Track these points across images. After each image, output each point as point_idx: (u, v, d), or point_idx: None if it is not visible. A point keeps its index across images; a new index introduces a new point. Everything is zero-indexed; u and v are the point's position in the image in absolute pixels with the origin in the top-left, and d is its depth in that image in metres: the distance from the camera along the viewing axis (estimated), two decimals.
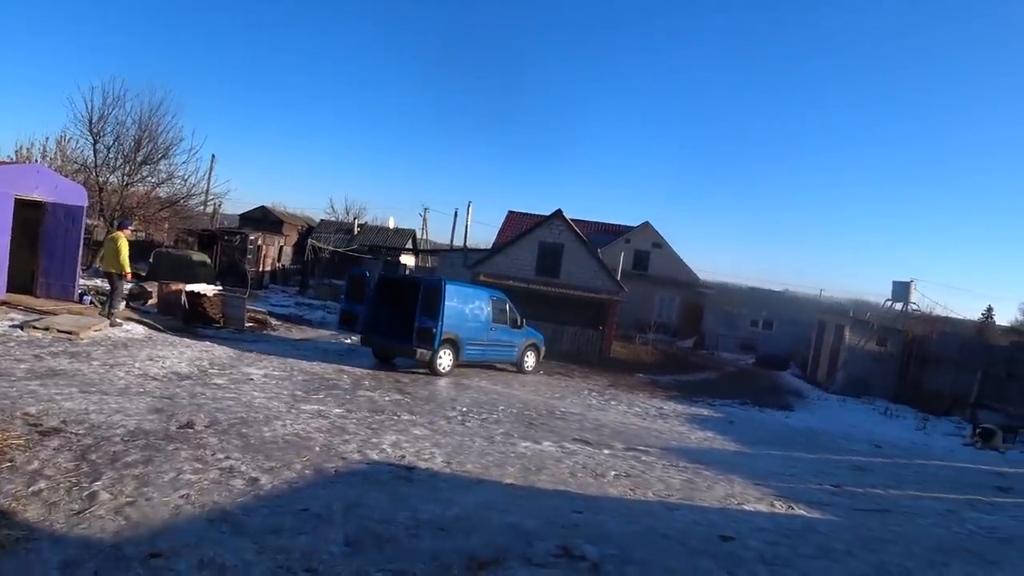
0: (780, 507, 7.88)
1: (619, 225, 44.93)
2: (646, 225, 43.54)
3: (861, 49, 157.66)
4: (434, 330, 15.29)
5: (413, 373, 15.41)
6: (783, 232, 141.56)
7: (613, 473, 8.68)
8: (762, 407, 20.09)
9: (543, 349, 20.05)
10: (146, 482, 5.66)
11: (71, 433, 6.71)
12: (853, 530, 6.98)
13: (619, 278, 29.02)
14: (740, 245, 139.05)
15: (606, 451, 10.32)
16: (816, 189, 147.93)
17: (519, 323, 18.53)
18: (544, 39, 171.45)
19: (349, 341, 19.25)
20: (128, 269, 15.68)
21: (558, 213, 28.04)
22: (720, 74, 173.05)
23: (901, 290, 31.84)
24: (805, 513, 7.73)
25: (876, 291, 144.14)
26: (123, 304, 15.69)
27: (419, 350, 15.41)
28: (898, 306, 32.00)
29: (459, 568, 4.75)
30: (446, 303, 15.54)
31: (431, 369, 15.62)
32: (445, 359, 15.89)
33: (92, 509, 4.95)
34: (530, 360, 19.22)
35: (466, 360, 16.76)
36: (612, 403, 16.91)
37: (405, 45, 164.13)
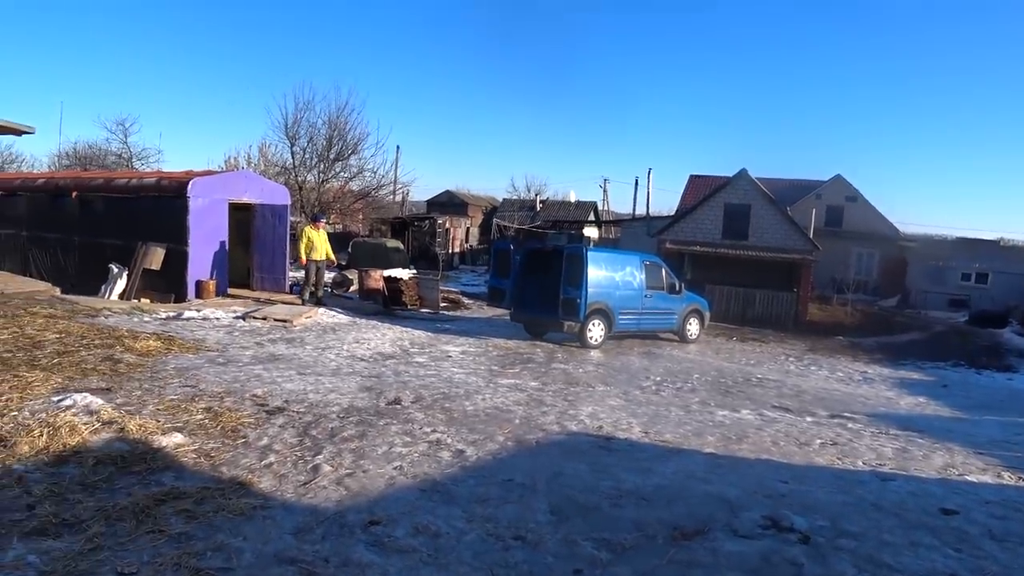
0: (1009, 478, 7.15)
1: (808, 180, 42.50)
2: (838, 178, 41.02)
3: None
4: (579, 300, 14.52)
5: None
6: (993, 176, 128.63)
7: (818, 441, 8.25)
8: (979, 369, 18.40)
9: (707, 315, 18.85)
10: (362, 455, 6.03)
11: (293, 412, 7.27)
12: None
13: (812, 236, 27.56)
14: (945, 194, 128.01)
15: (809, 418, 9.86)
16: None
17: (677, 288, 17.41)
18: None
19: None
20: (304, 257, 16.65)
21: (743, 173, 26.94)
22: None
23: None
24: None
25: None
26: (309, 292, 16.67)
27: (566, 322, 14.75)
28: None
29: (663, 538, 4.70)
30: (590, 271, 14.73)
31: (581, 342, 15.00)
32: (596, 330, 15.15)
33: (316, 480, 5.33)
34: (693, 327, 17.99)
35: (620, 331, 15.97)
36: (812, 368, 16.14)
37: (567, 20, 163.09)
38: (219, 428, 6.38)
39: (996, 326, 27.65)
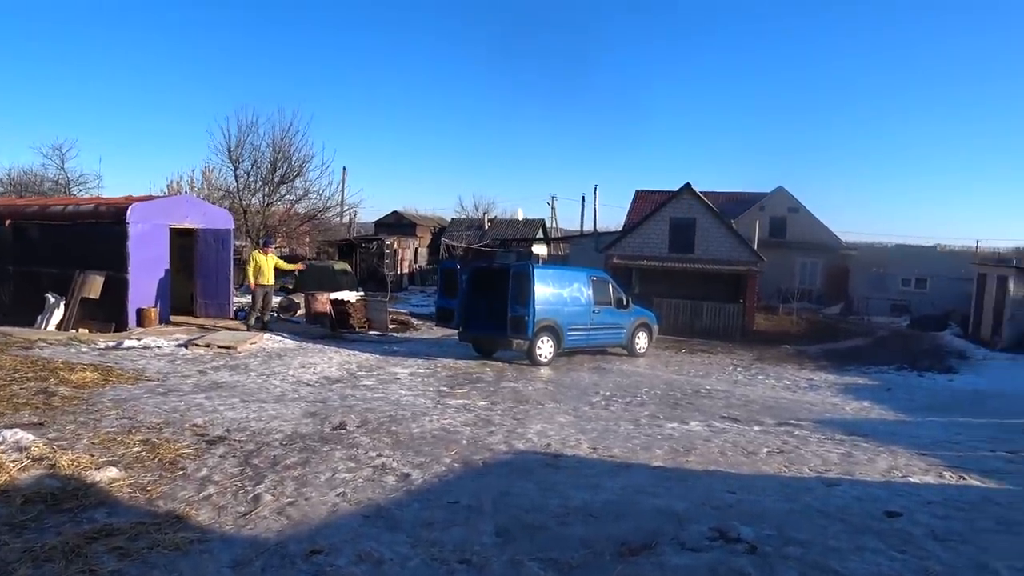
0: (950, 478, 7.31)
1: (751, 193, 43.34)
2: (780, 190, 41.89)
3: None
4: (526, 318, 14.53)
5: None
6: (928, 183, 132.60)
7: (765, 450, 8.32)
8: (921, 371, 18.85)
9: (656, 328, 18.97)
10: (304, 483, 5.90)
11: (234, 440, 7.10)
12: None
13: (756, 247, 28.05)
14: (880, 202, 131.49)
15: (756, 427, 9.94)
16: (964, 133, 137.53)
17: (625, 303, 17.53)
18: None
19: None
20: (252, 281, 16.78)
21: (687, 187, 27.32)
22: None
23: None
24: (979, 483, 7.12)
25: None
26: (255, 317, 16.75)
27: (515, 340, 14.79)
28: None
29: (611, 554, 4.65)
30: (537, 288, 14.75)
31: (531, 359, 15.01)
32: (545, 347, 15.18)
33: (257, 510, 5.20)
34: (641, 341, 18.11)
35: (569, 347, 16.04)
36: (759, 377, 16.37)
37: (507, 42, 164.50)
38: (157, 460, 6.20)
39: (936, 329, 28.46)
